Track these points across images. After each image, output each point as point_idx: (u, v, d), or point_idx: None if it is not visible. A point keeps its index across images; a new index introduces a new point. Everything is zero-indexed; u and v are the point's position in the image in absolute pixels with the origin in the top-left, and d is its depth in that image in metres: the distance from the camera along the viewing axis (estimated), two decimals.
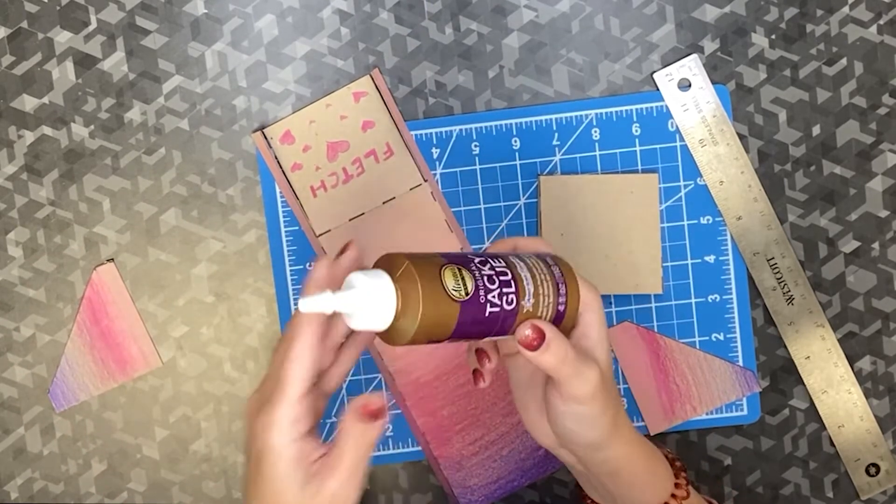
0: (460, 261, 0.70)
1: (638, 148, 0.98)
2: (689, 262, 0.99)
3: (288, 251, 0.99)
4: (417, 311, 0.66)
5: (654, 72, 0.98)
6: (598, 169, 0.99)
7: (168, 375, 1.00)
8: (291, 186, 0.97)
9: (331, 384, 0.77)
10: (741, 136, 0.99)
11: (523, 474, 1.00)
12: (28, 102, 0.99)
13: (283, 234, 0.99)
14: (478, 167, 0.98)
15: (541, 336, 0.71)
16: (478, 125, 0.98)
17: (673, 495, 0.83)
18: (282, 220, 0.99)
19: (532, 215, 0.99)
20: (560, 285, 0.75)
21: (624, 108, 0.98)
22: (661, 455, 0.85)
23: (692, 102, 0.97)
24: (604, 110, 0.98)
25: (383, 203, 0.97)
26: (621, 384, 1.00)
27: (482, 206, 0.99)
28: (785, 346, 1.00)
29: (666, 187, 0.98)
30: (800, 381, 1.00)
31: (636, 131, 0.98)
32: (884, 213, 0.99)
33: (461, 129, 0.98)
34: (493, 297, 0.70)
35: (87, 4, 0.98)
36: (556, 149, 0.98)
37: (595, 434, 0.77)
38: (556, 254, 0.78)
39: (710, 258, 0.99)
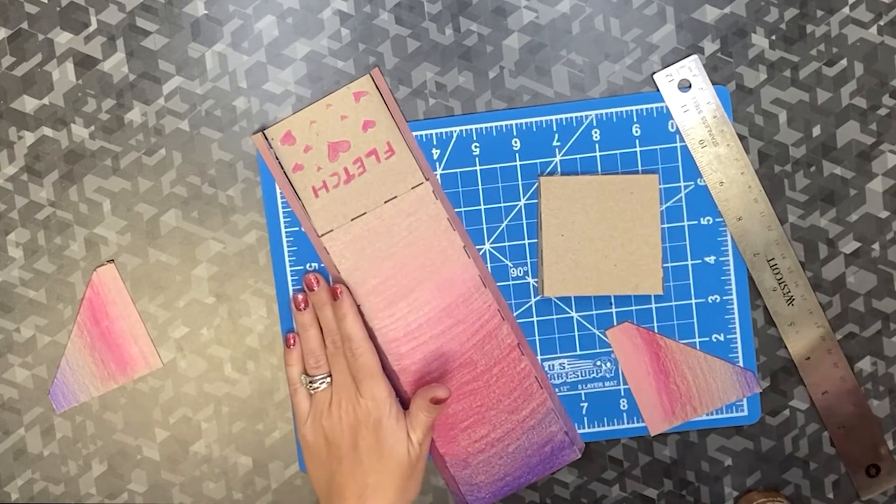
0: None
1: (638, 149, 0.98)
2: (690, 262, 0.99)
3: (288, 252, 0.99)
4: None
5: (655, 72, 0.98)
6: (598, 170, 0.99)
7: (168, 376, 1.00)
8: (293, 187, 0.97)
9: None
10: (741, 137, 0.99)
11: (529, 471, 1.00)
12: (28, 103, 0.98)
13: (284, 235, 0.99)
14: (478, 168, 0.98)
15: None
16: (478, 126, 0.98)
17: None
18: (282, 220, 0.99)
19: (532, 216, 0.99)
20: None
21: (624, 109, 0.98)
22: None
23: (692, 103, 0.98)
24: (604, 111, 0.98)
25: (385, 202, 0.97)
26: (621, 385, 1.00)
27: (482, 206, 0.99)
28: (785, 347, 1.00)
29: (666, 188, 0.99)
30: (800, 381, 1.00)
31: (636, 132, 0.98)
32: (884, 214, 0.99)
33: (461, 130, 0.98)
34: None
35: (88, 5, 0.98)
36: (557, 149, 0.98)
37: None
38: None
39: (711, 259, 0.99)
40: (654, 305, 0.99)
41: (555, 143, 0.98)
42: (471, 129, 0.98)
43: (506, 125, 0.98)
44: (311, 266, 0.99)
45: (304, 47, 0.98)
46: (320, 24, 0.98)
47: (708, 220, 0.99)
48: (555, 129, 0.98)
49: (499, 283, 0.99)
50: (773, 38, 0.98)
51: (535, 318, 1.00)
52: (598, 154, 0.99)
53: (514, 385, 0.99)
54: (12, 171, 0.99)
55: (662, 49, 0.98)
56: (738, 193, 0.98)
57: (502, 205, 0.99)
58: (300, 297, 0.96)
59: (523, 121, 0.98)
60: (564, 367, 1.00)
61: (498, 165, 0.98)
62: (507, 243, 0.99)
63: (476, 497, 1.01)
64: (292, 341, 0.97)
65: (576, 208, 0.97)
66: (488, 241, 0.99)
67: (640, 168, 0.99)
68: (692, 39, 0.98)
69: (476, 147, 0.98)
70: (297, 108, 0.99)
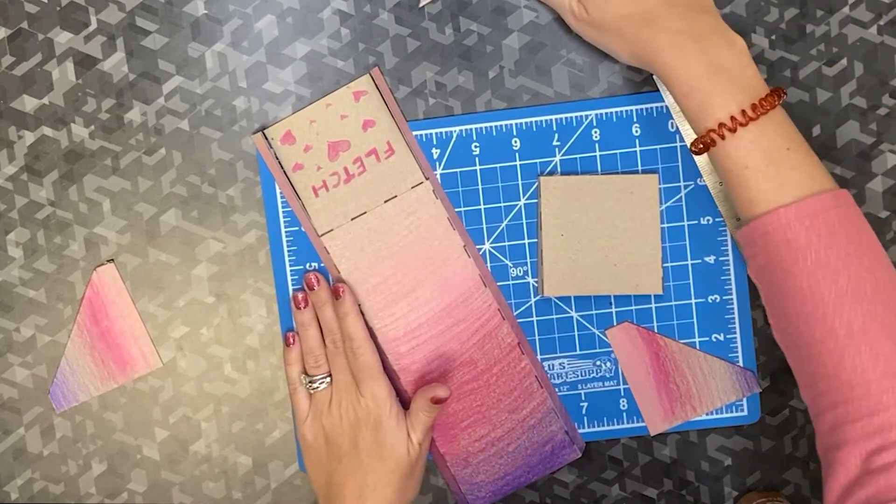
0: None
1: (638, 148, 0.98)
2: (690, 262, 0.99)
3: (288, 251, 0.99)
4: None
5: None
6: (598, 169, 0.99)
7: (168, 376, 1.00)
8: (293, 187, 0.97)
9: None
10: None
11: (529, 470, 1.00)
12: (28, 103, 0.98)
13: (284, 235, 0.99)
14: (478, 168, 0.98)
15: None
16: (478, 126, 0.98)
17: (732, 118, 0.82)
18: (282, 220, 0.99)
19: (532, 216, 0.99)
20: None
21: (624, 109, 0.98)
22: (742, 73, 0.84)
23: None
24: (604, 111, 0.98)
25: (385, 202, 0.97)
26: (621, 384, 1.00)
27: (482, 206, 0.99)
28: None
29: (666, 188, 0.99)
30: None
31: (636, 132, 0.98)
32: (884, 214, 0.99)
33: (461, 130, 0.98)
34: None
35: (88, 5, 0.98)
36: (557, 149, 0.98)
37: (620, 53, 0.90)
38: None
39: (711, 259, 0.99)
40: (654, 305, 0.99)
41: (555, 143, 0.98)
42: (471, 129, 0.98)
43: (506, 125, 0.98)
44: (311, 266, 0.99)
45: (304, 47, 0.98)
46: (320, 24, 0.98)
47: (708, 220, 0.99)
48: (555, 128, 0.98)
49: (499, 283, 0.99)
50: (773, 38, 0.98)
51: (534, 318, 1.00)
52: (598, 154, 0.99)
53: (515, 384, 0.99)
54: (12, 170, 0.99)
55: None
56: None
57: (502, 204, 0.99)
58: (300, 295, 0.96)
59: (523, 120, 0.98)
60: (564, 367, 1.00)
61: (498, 165, 0.98)
62: (507, 243, 0.99)
63: (476, 496, 1.01)
64: (292, 340, 0.97)
65: (576, 208, 0.97)
66: (488, 240, 0.99)
67: (640, 168, 0.99)
68: None
69: (476, 147, 0.98)
70: (296, 107, 0.99)
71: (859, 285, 0.79)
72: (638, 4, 0.86)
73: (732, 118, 0.81)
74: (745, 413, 1.00)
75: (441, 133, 0.98)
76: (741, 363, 0.99)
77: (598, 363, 1.00)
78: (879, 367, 0.78)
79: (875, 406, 0.77)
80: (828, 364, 0.79)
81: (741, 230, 0.84)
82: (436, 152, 0.98)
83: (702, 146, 0.84)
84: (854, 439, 0.77)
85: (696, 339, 1.00)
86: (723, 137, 0.82)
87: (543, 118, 0.98)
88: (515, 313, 0.99)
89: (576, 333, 1.00)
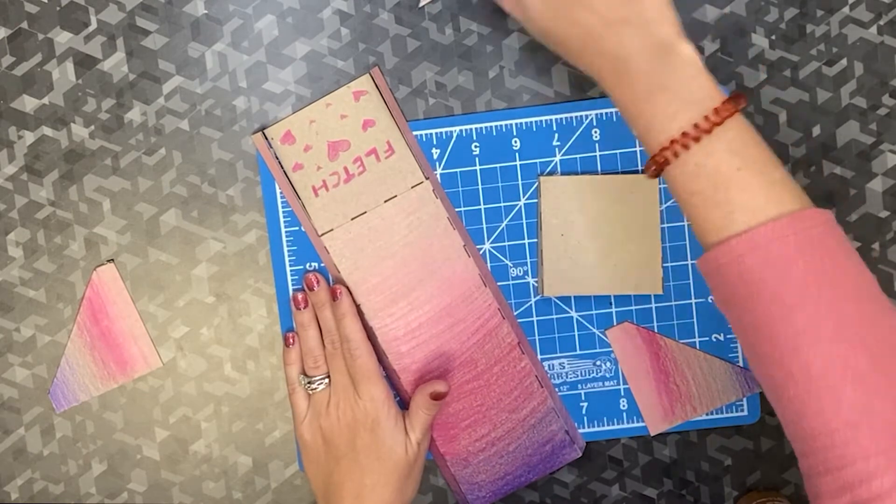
0: None
1: (638, 148, 0.98)
2: (689, 262, 0.99)
3: (288, 251, 0.99)
4: None
5: None
6: (598, 169, 0.99)
7: (168, 376, 1.00)
8: (293, 187, 0.97)
9: None
10: None
11: (530, 470, 1.00)
12: (28, 103, 0.98)
13: (284, 235, 0.99)
14: (478, 168, 0.98)
15: None
16: (478, 125, 0.98)
17: (684, 134, 0.74)
18: (282, 220, 0.99)
19: (532, 216, 0.99)
20: None
21: None
22: (691, 76, 0.76)
23: None
24: (604, 111, 0.98)
25: (385, 201, 0.97)
26: (621, 384, 1.00)
27: (482, 206, 0.99)
28: None
29: (666, 188, 0.98)
30: None
31: None
32: (884, 214, 0.99)
33: (461, 130, 0.98)
34: None
35: (88, 5, 0.98)
36: (557, 149, 0.98)
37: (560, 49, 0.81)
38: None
39: None
40: (654, 305, 0.99)
41: (555, 143, 0.98)
42: (471, 129, 0.98)
43: (506, 125, 0.98)
44: (311, 266, 0.99)
45: (304, 47, 0.98)
46: (320, 24, 0.98)
47: None
48: (555, 128, 0.98)
49: (499, 283, 0.99)
50: (773, 37, 0.98)
51: (534, 318, 1.00)
52: (598, 154, 0.99)
53: (515, 384, 0.99)
54: (12, 170, 0.99)
55: None
56: None
57: (502, 204, 0.99)
58: (300, 296, 0.96)
59: (523, 120, 0.98)
60: (564, 367, 1.00)
61: (498, 165, 0.98)
62: (507, 243, 0.99)
63: (477, 496, 1.01)
64: (291, 340, 0.97)
65: (576, 208, 0.97)
66: (488, 240, 0.99)
67: (640, 168, 0.99)
68: (692, 39, 0.97)
69: (476, 147, 0.98)
70: (296, 107, 0.99)
71: (818, 323, 0.71)
72: (575, 26, 0.78)
73: (672, 141, 0.74)
74: (745, 413, 1.00)
75: (441, 133, 0.98)
76: (741, 363, 0.99)
77: (598, 363, 1.00)
78: (842, 415, 0.70)
79: (840, 460, 0.70)
80: (790, 410, 0.73)
81: (698, 262, 0.77)
82: (436, 152, 0.98)
83: (654, 171, 0.77)
84: (827, 493, 0.71)
85: (696, 339, 1.00)
86: (667, 162, 0.75)
87: (543, 118, 0.98)
88: (515, 313, 0.99)
89: (576, 333, 1.00)
